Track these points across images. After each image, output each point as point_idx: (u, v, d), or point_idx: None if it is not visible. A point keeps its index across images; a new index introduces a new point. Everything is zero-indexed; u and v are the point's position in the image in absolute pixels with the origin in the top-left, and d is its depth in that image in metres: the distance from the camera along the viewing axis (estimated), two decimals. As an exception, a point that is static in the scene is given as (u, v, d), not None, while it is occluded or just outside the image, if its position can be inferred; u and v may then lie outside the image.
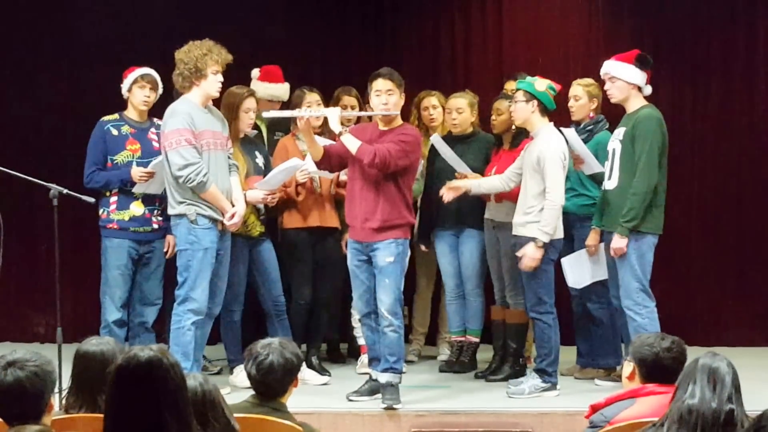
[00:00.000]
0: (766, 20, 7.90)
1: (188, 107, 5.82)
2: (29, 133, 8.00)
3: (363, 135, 5.89)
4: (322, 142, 6.04)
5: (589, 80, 6.64)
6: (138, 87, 6.30)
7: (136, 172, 6.15)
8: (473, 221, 6.72)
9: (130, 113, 6.36)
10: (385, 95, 5.84)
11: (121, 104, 6.43)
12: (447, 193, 6.27)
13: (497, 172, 6.45)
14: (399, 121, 5.96)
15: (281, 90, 6.86)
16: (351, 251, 5.98)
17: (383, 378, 5.82)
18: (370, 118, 6.29)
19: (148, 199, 6.28)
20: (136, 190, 6.21)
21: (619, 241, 5.85)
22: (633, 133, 5.89)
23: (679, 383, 3.29)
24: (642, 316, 5.86)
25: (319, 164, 6.00)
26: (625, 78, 5.98)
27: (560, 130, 6.18)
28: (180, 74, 5.85)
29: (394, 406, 5.75)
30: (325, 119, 6.03)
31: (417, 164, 5.98)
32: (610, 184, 6.05)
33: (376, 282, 5.87)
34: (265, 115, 6.22)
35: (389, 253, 5.80)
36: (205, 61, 5.81)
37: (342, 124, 5.99)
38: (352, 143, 5.78)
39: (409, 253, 6.08)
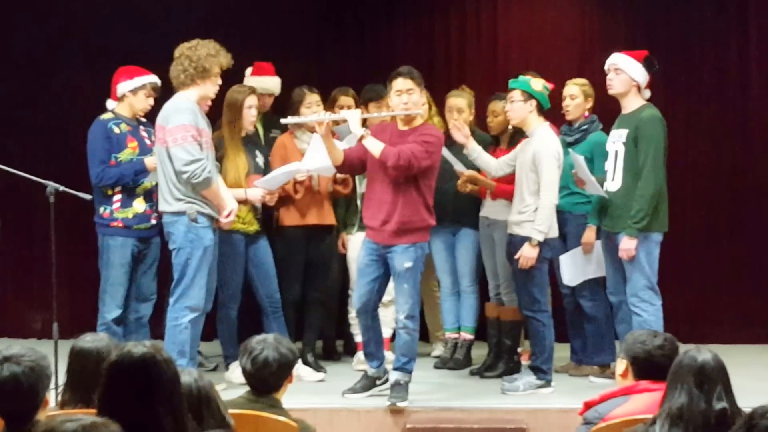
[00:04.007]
0: (757, 18, 7.92)
1: (190, 104, 5.82)
2: (26, 131, 7.99)
3: (383, 135, 5.86)
4: (341, 145, 6.00)
5: (584, 80, 6.67)
6: (145, 94, 6.31)
7: (151, 161, 6.16)
8: (470, 220, 6.75)
9: (123, 111, 6.35)
10: (406, 94, 5.81)
11: (104, 100, 6.42)
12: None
13: (494, 171, 6.49)
14: (419, 120, 5.94)
15: (271, 83, 6.91)
16: (365, 249, 5.97)
17: (393, 376, 5.85)
18: (392, 117, 6.21)
19: (147, 196, 6.30)
20: (149, 179, 6.23)
21: (628, 243, 5.86)
22: (636, 134, 5.89)
23: (668, 383, 3.31)
24: (648, 313, 5.88)
25: (341, 168, 6.00)
26: (630, 73, 5.98)
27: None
28: (184, 70, 5.81)
29: (398, 404, 5.76)
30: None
31: (438, 165, 5.93)
32: (612, 185, 6.04)
33: (394, 286, 5.89)
34: (284, 121, 6.17)
35: (408, 258, 5.79)
36: (212, 62, 5.80)
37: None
38: (374, 146, 5.74)
39: (426, 254, 6.05)
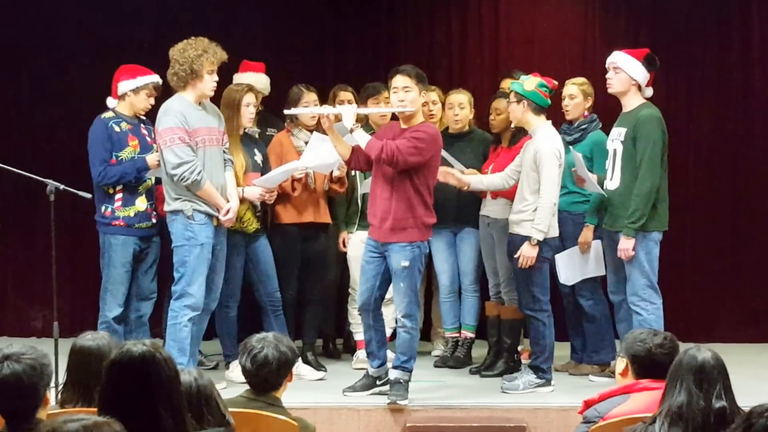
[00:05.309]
0: (760, 18, 7.92)
1: (181, 105, 5.84)
2: (27, 130, 7.99)
3: (387, 134, 5.87)
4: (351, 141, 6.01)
5: (583, 79, 6.66)
6: (147, 93, 6.32)
7: (153, 158, 6.18)
8: (472, 220, 6.75)
9: (124, 110, 6.36)
10: (402, 92, 5.80)
11: (105, 97, 6.43)
12: (445, 177, 6.20)
13: (494, 169, 6.47)
14: (419, 119, 5.93)
15: (256, 79, 6.85)
16: (366, 246, 5.98)
17: (392, 374, 5.86)
18: (393, 115, 6.21)
19: (149, 194, 6.32)
20: (150, 174, 6.25)
21: (626, 242, 5.87)
22: (635, 133, 5.89)
23: (668, 382, 3.31)
24: (648, 311, 5.89)
25: (348, 163, 5.99)
26: (629, 71, 5.98)
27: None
28: (175, 74, 5.86)
29: (399, 402, 5.76)
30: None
31: (435, 162, 5.89)
32: (611, 184, 6.05)
33: (392, 285, 5.89)
34: (287, 112, 6.22)
35: (404, 257, 5.78)
36: (201, 62, 5.81)
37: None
38: (362, 138, 5.76)
39: (426, 253, 6.02)
